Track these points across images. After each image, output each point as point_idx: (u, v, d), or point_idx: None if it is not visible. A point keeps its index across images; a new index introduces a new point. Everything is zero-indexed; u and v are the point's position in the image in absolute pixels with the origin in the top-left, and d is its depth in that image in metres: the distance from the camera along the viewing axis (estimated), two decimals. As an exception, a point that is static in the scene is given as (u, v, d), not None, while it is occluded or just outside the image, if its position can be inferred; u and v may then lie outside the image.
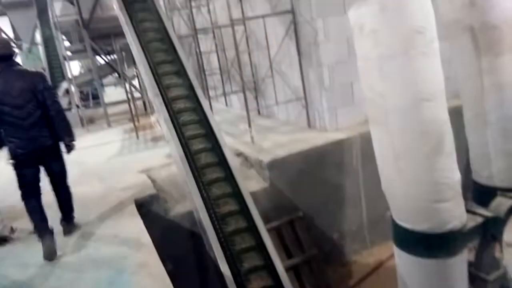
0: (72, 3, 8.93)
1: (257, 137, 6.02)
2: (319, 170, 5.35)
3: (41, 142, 3.57)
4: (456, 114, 3.84)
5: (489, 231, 3.53)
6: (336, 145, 5.42)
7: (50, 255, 3.50)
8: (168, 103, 4.99)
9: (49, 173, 3.77)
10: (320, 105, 5.89)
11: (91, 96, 11.86)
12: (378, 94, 3.17)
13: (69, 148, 3.76)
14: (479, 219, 3.51)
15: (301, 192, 5.27)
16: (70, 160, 6.06)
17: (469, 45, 3.91)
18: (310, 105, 6.13)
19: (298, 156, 5.28)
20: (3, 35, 14.59)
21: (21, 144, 3.48)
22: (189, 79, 5.27)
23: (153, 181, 5.27)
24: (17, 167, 3.56)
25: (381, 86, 3.14)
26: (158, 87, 5.12)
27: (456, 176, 3.28)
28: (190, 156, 4.32)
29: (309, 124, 6.22)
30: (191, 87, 5.16)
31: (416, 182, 3.26)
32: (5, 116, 3.43)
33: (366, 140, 4.51)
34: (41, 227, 3.60)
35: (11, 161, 3.55)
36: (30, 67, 13.18)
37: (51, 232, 3.60)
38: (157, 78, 5.26)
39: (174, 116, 4.89)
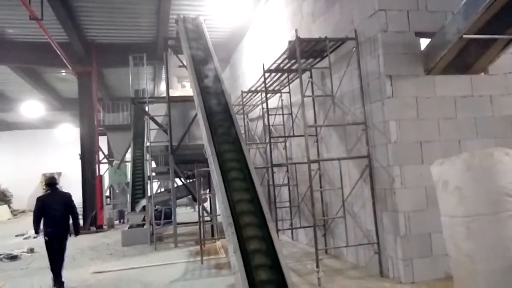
0: (166, 132, 10.09)
1: (324, 279, 5.72)
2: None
3: (63, 228, 6.56)
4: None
5: None
6: (413, 301, 4.96)
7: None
8: (239, 230, 5.11)
9: (58, 246, 6.50)
10: (394, 253, 5.57)
11: (163, 214, 12.40)
12: (465, 254, 2.98)
13: (77, 233, 6.81)
14: None
15: None
16: (134, 279, 6.17)
17: None
18: (383, 251, 5.84)
19: (370, 308, 4.87)
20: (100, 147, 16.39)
21: (53, 229, 6.47)
22: (261, 210, 5.43)
23: (212, 312, 5.08)
24: (48, 242, 6.46)
25: (468, 246, 2.96)
26: (232, 216, 5.30)
27: None
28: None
29: (381, 272, 5.83)
30: (262, 217, 5.29)
31: None
32: (49, 214, 6.46)
33: (448, 301, 4.09)
34: (57, 279, 6.44)
35: (45, 238, 6.44)
36: (116, 181, 14.40)
37: (62, 283, 6.49)
38: (232, 206, 5.48)
39: (243, 244, 4.95)
